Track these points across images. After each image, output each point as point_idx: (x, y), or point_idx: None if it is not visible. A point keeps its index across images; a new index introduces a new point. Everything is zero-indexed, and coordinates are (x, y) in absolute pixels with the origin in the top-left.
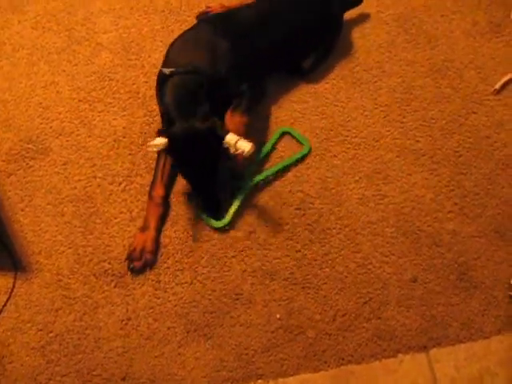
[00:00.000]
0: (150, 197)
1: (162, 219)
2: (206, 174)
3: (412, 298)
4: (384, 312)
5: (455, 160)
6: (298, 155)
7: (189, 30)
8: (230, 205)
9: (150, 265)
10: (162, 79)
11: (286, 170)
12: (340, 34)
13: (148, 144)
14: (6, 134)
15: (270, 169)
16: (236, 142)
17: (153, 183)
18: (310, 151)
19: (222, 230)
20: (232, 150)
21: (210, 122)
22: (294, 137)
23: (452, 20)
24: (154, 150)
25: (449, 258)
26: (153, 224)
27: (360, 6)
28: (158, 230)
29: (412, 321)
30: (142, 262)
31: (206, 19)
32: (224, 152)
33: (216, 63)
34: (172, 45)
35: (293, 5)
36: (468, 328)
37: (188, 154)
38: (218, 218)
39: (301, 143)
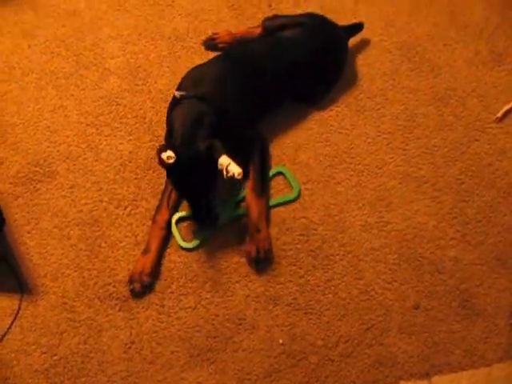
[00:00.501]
0: (155, 220)
1: (164, 243)
2: (200, 189)
3: (414, 325)
4: (386, 338)
5: (457, 187)
6: (284, 199)
7: (205, 62)
8: (202, 231)
9: (147, 287)
10: (173, 102)
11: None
12: (346, 61)
13: (163, 154)
14: (13, 156)
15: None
16: (227, 165)
17: (158, 207)
18: (297, 198)
19: (222, 255)
20: (224, 173)
21: (209, 143)
22: (286, 178)
23: (455, 49)
24: (170, 161)
25: (451, 285)
26: (154, 247)
27: (364, 35)
28: (159, 253)
29: (414, 347)
30: (140, 284)
31: (223, 54)
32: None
33: (224, 97)
34: (187, 73)
35: (301, 38)
36: (470, 355)
37: (186, 172)
38: (209, 227)
39: (291, 186)
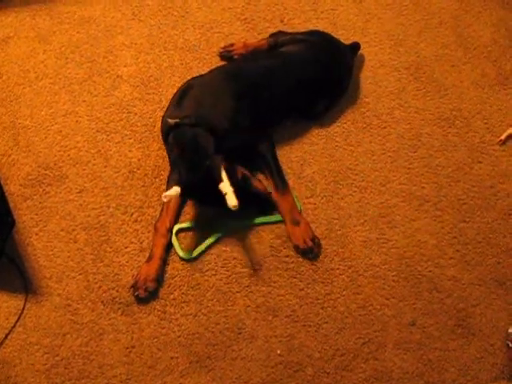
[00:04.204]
0: (156, 228)
1: (167, 249)
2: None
3: (410, 342)
4: (382, 353)
5: (459, 208)
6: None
7: (199, 77)
8: (202, 241)
9: (152, 292)
10: (167, 128)
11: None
12: (350, 79)
13: (163, 195)
14: (25, 159)
15: (253, 219)
16: (225, 194)
17: (159, 215)
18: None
19: (227, 264)
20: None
21: (210, 162)
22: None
23: (462, 70)
24: (167, 200)
25: (448, 303)
26: (157, 253)
27: (373, 54)
28: (163, 260)
29: (409, 364)
30: (144, 289)
31: (219, 69)
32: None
33: (221, 117)
34: (177, 93)
35: (307, 54)
36: (464, 374)
37: (201, 192)
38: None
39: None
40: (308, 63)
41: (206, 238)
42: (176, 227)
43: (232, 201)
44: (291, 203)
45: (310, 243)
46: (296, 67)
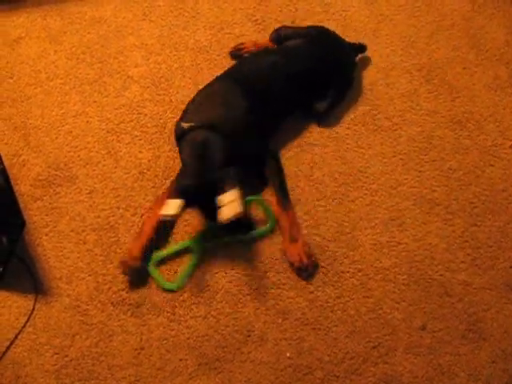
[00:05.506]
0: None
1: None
2: None
3: (420, 346)
4: (392, 357)
5: (470, 211)
6: (258, 232)
7: (208, 85)
8: (183, 269)
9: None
10: (181, 133)
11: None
12: (353, 78)
13: (161, 214)
14: (35, 159)
15: (225, 237)
16: (222, 205)
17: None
18: (271, 231)
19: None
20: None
21: (222, 173)
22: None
23: (474, 73)
24: (168, 218)
25: (459, 308)
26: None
27: (385, 56)
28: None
29: (419, 368)
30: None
31: (226, 74)
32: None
33: (233, 121)
34: (192, 100)
35: (305, 48)
36: (475, 380)
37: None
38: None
39: (267, 217)
40: (309, 57)
41: (185, 262)
42: (154, 258)
43: (227, 213)
44: (291, 219)
45: (306, 261)
46: (297, 61)
